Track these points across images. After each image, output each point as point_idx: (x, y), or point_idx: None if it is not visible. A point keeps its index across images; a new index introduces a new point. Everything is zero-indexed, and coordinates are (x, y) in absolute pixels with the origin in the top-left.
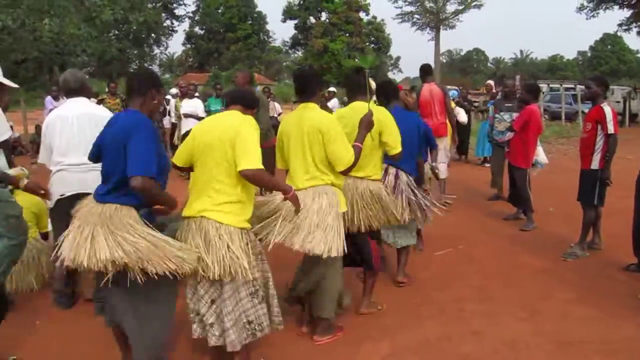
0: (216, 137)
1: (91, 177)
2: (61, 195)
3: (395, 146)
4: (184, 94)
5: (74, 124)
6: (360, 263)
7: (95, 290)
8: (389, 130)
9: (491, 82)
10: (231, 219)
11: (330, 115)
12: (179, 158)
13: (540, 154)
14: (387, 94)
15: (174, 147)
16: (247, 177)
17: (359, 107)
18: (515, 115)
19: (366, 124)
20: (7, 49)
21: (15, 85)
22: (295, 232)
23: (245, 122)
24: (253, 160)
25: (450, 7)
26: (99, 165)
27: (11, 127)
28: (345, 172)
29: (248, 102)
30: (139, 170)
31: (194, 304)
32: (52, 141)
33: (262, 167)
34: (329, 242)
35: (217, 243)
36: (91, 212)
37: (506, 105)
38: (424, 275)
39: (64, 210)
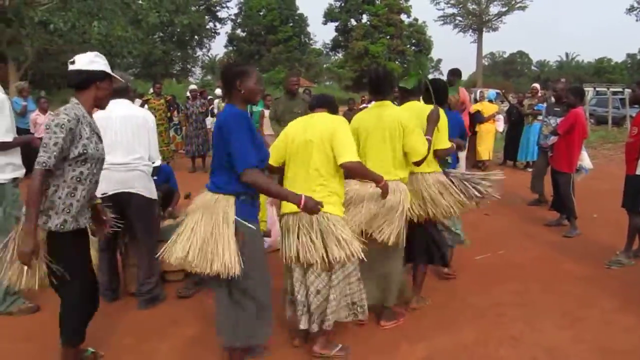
0: (316, 137)
1: (132, 177)
2: (103, 194)
3: (445, 141)
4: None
5: (117, 125)
6: (439, 258)
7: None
8: (443, 128)
9: (537, 85)
10: (336, 210)
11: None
12: (272, 159)
13: (585, 159)
14: (438, 93)
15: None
16: (348, 168)
17: (415, 106)
18: (559, 119)
19: (434, 118)
20: (58, 50)
21: (120, 79)
22: (374, 220)
23: (339, 121)
24: (351, 153)
25: (494, 9)
26: (140, 165)
27: None
28: (419, 164)
29: (334, 108)
30: (243, 165)
31: (299, 293)
32: None
33: (359, 159)
34: (400, 235)
35: (333, 231)
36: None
37: (555, 109)
38: (463, 279)
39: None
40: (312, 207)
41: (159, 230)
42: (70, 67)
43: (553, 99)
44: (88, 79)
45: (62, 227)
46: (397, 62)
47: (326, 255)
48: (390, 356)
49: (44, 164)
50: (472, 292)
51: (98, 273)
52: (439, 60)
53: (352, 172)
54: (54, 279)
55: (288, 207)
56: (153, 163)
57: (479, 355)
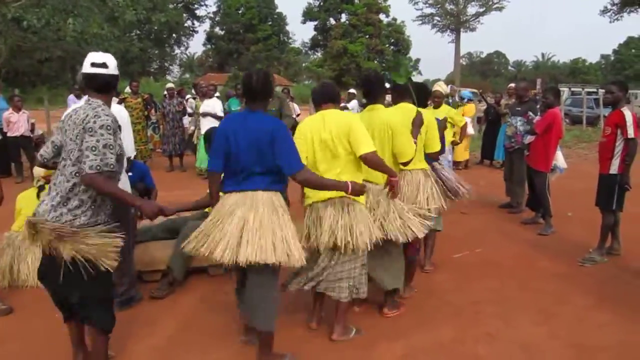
0: (333, 134)
1: None
2: None
3: (436, 145)
4: (204, 94)
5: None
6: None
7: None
8: (433, 131)
9: (513, 84)
10: (359, 199)
11: (397, 113)
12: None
13: (560, 159)
14: (420, 96)
15: (194, 146)
16: (366, 159)
17: (406, 108)
18: (519, 119)
19: (418, 123)
20: (32, 48)
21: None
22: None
23: (351, 117)
24: (368, 144)
25: (471, 9)
26: None
27: (33, 124)
28: (406, 164)
29: (338, 100)
30: (297, 167)
31: (315, 270)
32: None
33: (375, 149)
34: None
35: (358, 218)
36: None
37: (516, 109)
38: (440, 277)
39: None
40: (358, 190)
41: (133, 230)
42: (102, 71)
43: (513, 100)
44: (115, 83)
45: (91, 225)
46: (375, 62)
47: (352, 240)
48: (369, 354)
49: (105, 167)
50: (449, 290)
51: None
52: (418, 60)
53: (371, 162)
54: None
55: (316, 196)
56: (128, 158)
57: (456, 353)
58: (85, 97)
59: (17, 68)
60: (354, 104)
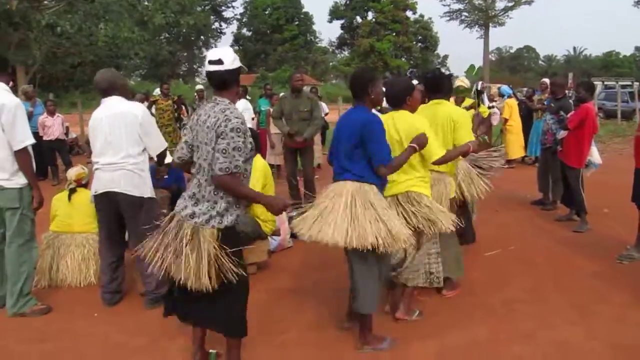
0: (404, 136)
1: (117, 176)
2: (95, 193)
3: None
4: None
5: (105, 126)
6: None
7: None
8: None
9: (547, 80)
10: (426, 192)
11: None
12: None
13: (594, 154)
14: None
15: None
16: (439, 164)
17: (445, 105)
18: (551, 117)
19: (481, 120)
20: (65, 53)
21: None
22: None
23: (420, 120)
24: (438, 150)
25: (500, 4)
26: (127, 164)
27: (67, 128)
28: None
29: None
30: (381, 161)
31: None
32: (92, 142)
33: (443, 152)
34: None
35: (427, 209)
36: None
37: (550, 105)
38: (474, 275)
39: (99, 207)
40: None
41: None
42: (217, 68)
43: (546, 95)
44: (235, 77)
45: (235, 222)
46: (403, 59)
47: (432, 227)
48: (402, 353)
49: (234, 169)
50: (483, 288)
51: (100, 274)
52: (446, 57)
53: (446, 162)
54: (232, 273)
55: (388, 191)
56: (156, 159)
57: (491, 352)
58: (105, 99)
59: (51, 73)
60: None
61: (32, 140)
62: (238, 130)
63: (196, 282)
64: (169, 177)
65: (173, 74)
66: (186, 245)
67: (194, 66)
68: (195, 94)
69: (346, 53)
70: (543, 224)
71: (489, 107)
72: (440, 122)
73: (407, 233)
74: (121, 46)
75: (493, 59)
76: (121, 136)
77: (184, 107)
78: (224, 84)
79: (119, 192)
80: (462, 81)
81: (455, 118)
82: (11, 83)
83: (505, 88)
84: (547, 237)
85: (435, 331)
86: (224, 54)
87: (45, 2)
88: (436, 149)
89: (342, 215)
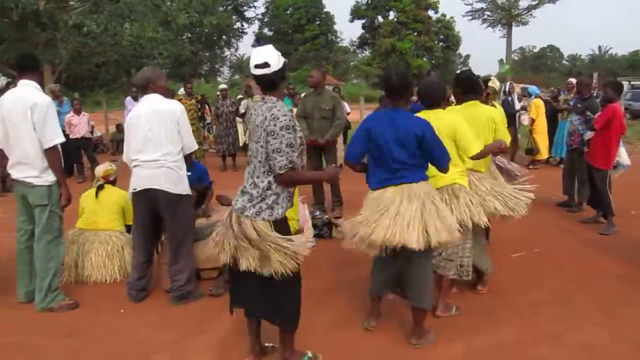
0: (442, 134)
1: (158, 173)
2: (133, 190)
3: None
4: (251, 95)
5: (144, 122)
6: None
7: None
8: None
9: (573, 80)
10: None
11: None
12: None
13: (622, 155)
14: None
15: (245, 147)
16: (476, 159)
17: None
18: (577, 118)
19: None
20: (90, 52)
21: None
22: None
23: (458, 118)
24: (475, 146)
25: (523, 3)
26: (167, 162)
27: (93, 127)
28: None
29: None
30: (446, 162)
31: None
32: (129, 139)
33: (481, 147)
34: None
35: (467, 201)
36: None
37: (577, 106)
38: (499, 276)
39: (136, 204)
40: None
41: (192, 228)
42: (265, 71)
43: (572, 95)
44: (282, 76)
45: (284, 214)
46: (425, 59)
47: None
48: (427, 355)
49: (291, 164)
50: (509, 290)
51: (131, 270)
52: (467, 56)
53: (483, 157)
54: (290, 264)
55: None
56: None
57: (517, 354)
58: (144, 97)
59: (77, 72)
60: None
61: (62, 139)
62: (287, 127)
63: (260, 271)
64: (193, 174)
65: (195, 73)
66: (245, 239)
67: (216, 66)
68: (219, 93)
69: (367, 53)
70: (568, 225)
71: (520, 108)
72: (481, 124)
73: (457, 225)
74: (145, 46)
75: (516, 58)
76: (161, 133)
77: (207, 106)
78: (273, 84)
79: (158, 189)
80: (493, 82)
81: (495, 119)
82: None
83: (533, 88)
84: (573, 239)
85: (461, 333)
86: (269, 56)
87: (72, 2)
88: (475, 144)
89: (418, 217)
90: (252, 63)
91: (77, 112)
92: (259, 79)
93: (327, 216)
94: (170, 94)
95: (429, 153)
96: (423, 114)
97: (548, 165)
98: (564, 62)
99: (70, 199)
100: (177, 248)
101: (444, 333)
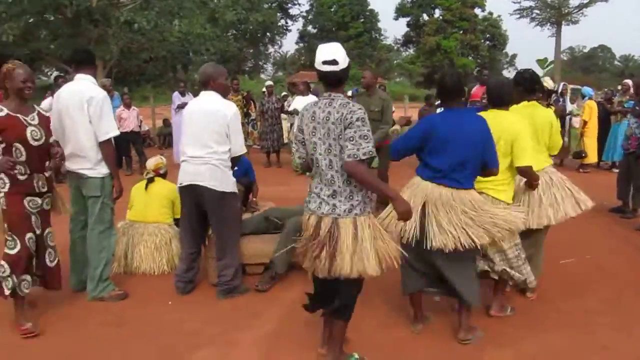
0: (503, 137)
1: (203, 170)
2: (180, 184)
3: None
4: (300, 92)
5: (195, 120)
6: None
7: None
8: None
9: (629, 81)
10: (502, 196)
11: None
12: None
13: None
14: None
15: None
16: (520, 170)
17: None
18: (635, 120)
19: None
20: (139, 48)
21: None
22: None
23: (521, 125)
24: (528, 158)
25: (574, 1)
26: (212, 159)
27: (141, 121)
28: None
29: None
30: (497, 164)
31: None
32: (181, 134)
33: (532, 164)
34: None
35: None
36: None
37: (636, 108)
38: (548, 283)
39: (183, 198)
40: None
41: (238, 223)
42: (333, 68)
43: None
44: (348, 74)
45: (366, 210)
46: (470, 58)
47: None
48: (478, 357)
49: (361, 155)
50: (560, 297)
51: (178, 263)
52: (514, 56)
53: (524, 174)
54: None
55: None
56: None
57: None
58: (189, 95)
59: (126, 68)
60: None
61: (116, 132)
62: (363, 119)
63: (361, 269)
64: (239, 169)
65: (239, 69)
66: (338, 239)
67: (260, 62)
68: (264, 89)
69: (411, 51)
70: (622, 232)
71: (571, 110)
72: (539, 126)
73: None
74: (192, 42)
75: (565, 58)
76: (209, 133)
77: (252, 103)
78: (339, 81)
79: (203, 185)
80: (546, 82)
81: (553, 122)
82: None
83: (587, 89)
84: (627, 246)
85: (510, 338)
86: (336, 53)
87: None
88: (530, 157)
89: (455, 221)
90: (320, 59)
91: (127, 106)
92: (325, 75)
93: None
94: (228, 92)
95: (484, 153)
96: (486, 113)
97: (599, 169)
98: (615, 62)
99: (122, 191)
100: (223, 244)
101: (492, 336)
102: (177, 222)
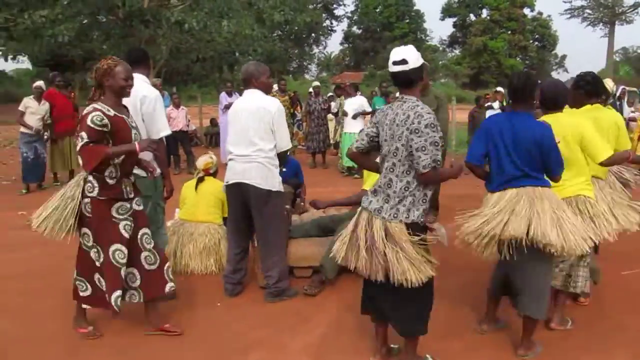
0: (569, 140)
1: (249, 168)
2: (226, 183)
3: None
4: (348, 94)
5: (241, 118)
6: None
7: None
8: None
9: None
10: (593, 195)
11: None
12: None
13: None
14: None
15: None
16: (606, 165)
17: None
18: None
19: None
20: (188, 49)
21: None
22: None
23: (585, 122)
24: (606, 150)
25: (629, 0)
26: (259, 157)
27: (189, 120)
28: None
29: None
30: (561, 169)
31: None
32: (229, 131)
33: (611, 152)
34: None
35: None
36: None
37: None
38: (611, 296)
39: (229, 197)
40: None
41: (285, 225)
42: (402, 68)
43: None
44: (420, 75)
45: (421, 217)
46: (518, 59)
47: None
48: None
49: (434, 163)
50: (624, 311)
51: (226, 264)
52: (564, 57)
53: (608, 165)
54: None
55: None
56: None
57: None
58: (236, 95)
59: (174, 68)
60: (496, 104)
61: (168, 131)
62: (432, 125)
63: (398, 277)
64: (288, 170)
65: (284, 70)
66: (381, 241)
67: (304, 63)
68: (311, 90)
69: (457, 51)
70: None
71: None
72: (605, 127)
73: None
74: (239, 43)
75: (617, 59)
76: (254, 130)
77: (298, 103)
78: (410, 82)
79: (249, 183)
80: (606, 84)
81: (619, 124)
82: None
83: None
84: None
85: (570, 355)
86: (407, 54)
87: (173, 1)
88: (605, 149)
89: (552, 217)
90: (390, 60)
91: (177, 105)
92: (396, 76)
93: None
94: (270, 90)
95: (544, 159)
96: (545, 118)
97: None
98: None
99: (172, 191)
100: (267, 244)
101: (553, 353)
102: (225, 221)
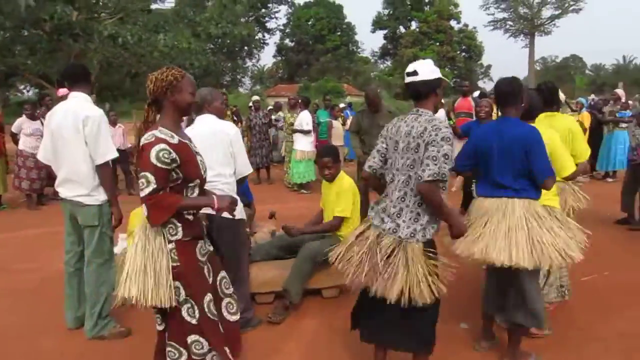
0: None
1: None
2: None
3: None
4: (292, 107)
5: (198, 143)
6: None
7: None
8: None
9: (620, 90)
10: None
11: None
12: None
13: None
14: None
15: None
16: (568, 179)
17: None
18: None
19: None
20: (122, 63)
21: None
22: None
23: (554, 135)
24: (572, 166)
25: (546, 12)
26: (219, 183)
27: (125, 139)
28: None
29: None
30: (548, 173)
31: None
32: None
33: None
34: None
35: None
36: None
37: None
38: (573, 303)
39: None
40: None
41: (246, 252)
42: (412, 79)
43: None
44: (432, 88)
45: (434, 234)
46: (447, 69)
47: None
48: None
49: (438, 176)
50: (591, 319)
51: None
52: (489, 66)
53: (572, 179)
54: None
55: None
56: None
57: None
58: (198, 117)
59: (105, 83)
60: (441, 113)
61: (115, 154)
62: (448, 139)
63: (410, 297)
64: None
65: (217, 83)
66: (392, 261)
67: (238, 76)
68: (251, 104)
69: (388, 63)
70: (632, 246)
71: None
72: (560, 134)
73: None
74: (175, 56)
75: (538, 68)
76: (212, 155)
77: (239, 119)
78: (420, 94)
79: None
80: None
81: (573, 129)
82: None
83: (583, 99)
84: None
85: None
86: (419, 66)
87: (103, 14)
88: (570, 165)
89: (521, 234)
90: (405, 72)
91: (113, 123)
92: (407, 86)
93: None
94: (223, 114)
95: (530, 164)
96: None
97: (593, 179)
98: (587, 72)
99: (122, 219)
100: (235, 275)
101: None
102: None
